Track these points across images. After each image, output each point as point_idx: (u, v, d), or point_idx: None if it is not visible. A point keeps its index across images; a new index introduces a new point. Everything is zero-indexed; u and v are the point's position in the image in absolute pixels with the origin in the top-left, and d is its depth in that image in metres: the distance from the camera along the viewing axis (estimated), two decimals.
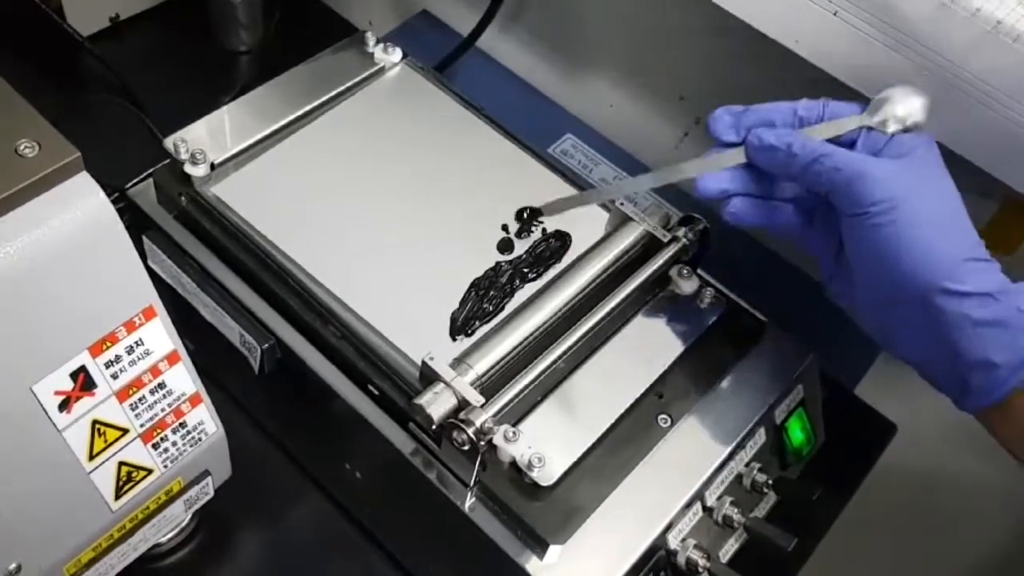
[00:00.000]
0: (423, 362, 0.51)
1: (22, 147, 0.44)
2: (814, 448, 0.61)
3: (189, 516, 0.62)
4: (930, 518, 0.85)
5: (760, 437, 0.57)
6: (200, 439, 0.55)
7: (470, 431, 0.48)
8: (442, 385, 0.50)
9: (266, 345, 0.57)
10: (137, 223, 0.62)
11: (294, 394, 0.61)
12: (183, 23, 0.91)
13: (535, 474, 0.50)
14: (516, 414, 0.52)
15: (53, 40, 0.84)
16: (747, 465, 0.57)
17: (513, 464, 0.51)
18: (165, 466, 0.53)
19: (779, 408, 0.58)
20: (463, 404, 0.50)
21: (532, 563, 0.50)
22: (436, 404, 0.50)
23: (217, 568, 0.63)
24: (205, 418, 0.55)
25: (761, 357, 0.59)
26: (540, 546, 0.50)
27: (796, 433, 0.59)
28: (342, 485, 0.63)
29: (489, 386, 0.52)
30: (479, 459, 0.50)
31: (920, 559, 0.87)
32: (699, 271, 0.60)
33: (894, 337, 0.50)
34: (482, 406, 0.49)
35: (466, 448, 0.49)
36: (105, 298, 0.48)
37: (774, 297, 0.63)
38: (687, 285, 0.59)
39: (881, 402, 0.75)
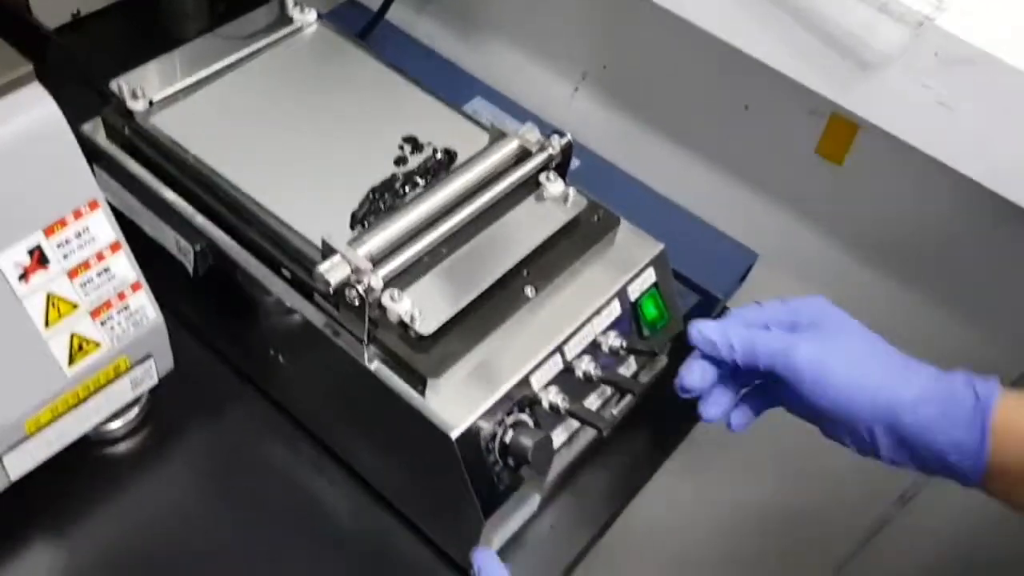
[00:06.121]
0: (323, 240, 0.61)
1: None
2: (668, 324, 0.72)
3: (136, 401, 0.71)
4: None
5: (615, 309, 0.68)
6: (142, 322, 0.65)
7: (360, 288, 0.59)
8: (338, 256, 0.60)
9: (199, 246, 0.68)
10: (89, 156, 0.72)
11: (226, 298, 0.71)
12: (137, 17, 1.03)
13: (416, 325, 0.60)
14: (403, 283, 0.62)
15: (19, 34, 0.94)
16: (604, 332, 0.67)
17: (400, 323, 0.61)
18: (112, 342, 0.63)
19: (632, 286, 0.69)
20: (356, 272, 0.60)
21: (415, 397, 0.60)
22: (333, 271, 0.60)
23: (164, 451, 0.72)
24: (145, 303, 0.65)
25: (617, 245, 0.70)
26: (420, 383, 0.60)
27: (650, 309, 0.70)
28: (270, 377, 0.73)
29: (380, 262, 0.62)
30: (367, 315, 0.60)
31: (806, 468, 0.96)
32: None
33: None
34: (371, 271, 0.60)
35: (356, 304, 0.59)
36: (56, 188, 0.59)
37: (646, 224, 0.73)
38: (554, 188, 0.69)
39: None
